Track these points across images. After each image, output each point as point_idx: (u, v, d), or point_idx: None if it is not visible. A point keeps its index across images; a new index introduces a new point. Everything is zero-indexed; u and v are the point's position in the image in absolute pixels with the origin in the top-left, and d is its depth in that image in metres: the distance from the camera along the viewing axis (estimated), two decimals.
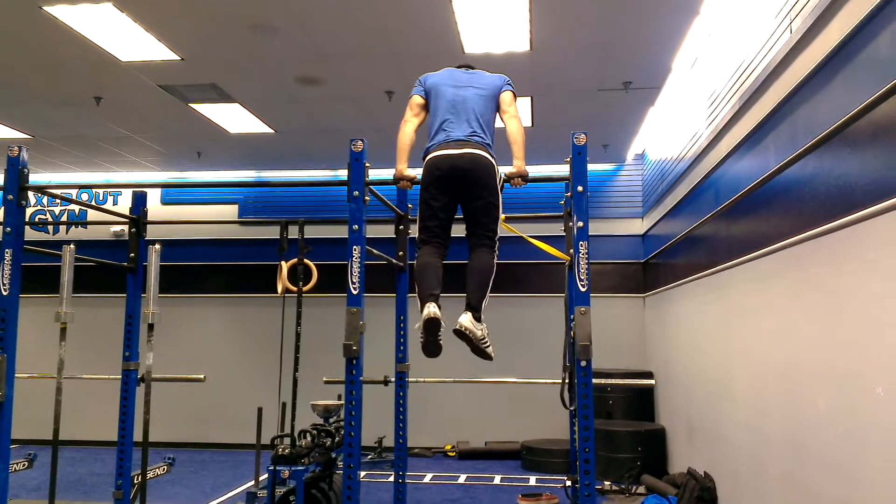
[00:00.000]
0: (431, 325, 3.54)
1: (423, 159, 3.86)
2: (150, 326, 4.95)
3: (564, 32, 5.93)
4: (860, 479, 3.29)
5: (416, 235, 3.90)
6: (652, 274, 9.50)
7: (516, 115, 4.00)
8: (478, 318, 3.64)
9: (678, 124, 7.41)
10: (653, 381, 9.17)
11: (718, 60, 5.75)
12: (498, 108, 4.05)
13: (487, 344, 3.68)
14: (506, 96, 4.03)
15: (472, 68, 4.21)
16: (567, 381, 4.59)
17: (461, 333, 3.59)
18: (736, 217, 5.37)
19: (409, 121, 4.03)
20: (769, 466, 4.59)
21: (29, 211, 10.87)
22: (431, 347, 3.60)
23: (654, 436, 8.24)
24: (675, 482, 6.86)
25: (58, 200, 10.96)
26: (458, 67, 4.20)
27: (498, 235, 3.87)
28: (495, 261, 3.82)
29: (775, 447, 4.47)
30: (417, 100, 4.09)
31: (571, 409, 4.60)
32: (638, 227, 10.20)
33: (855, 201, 3.27)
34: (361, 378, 3.51)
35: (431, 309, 3.54)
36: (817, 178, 3.80)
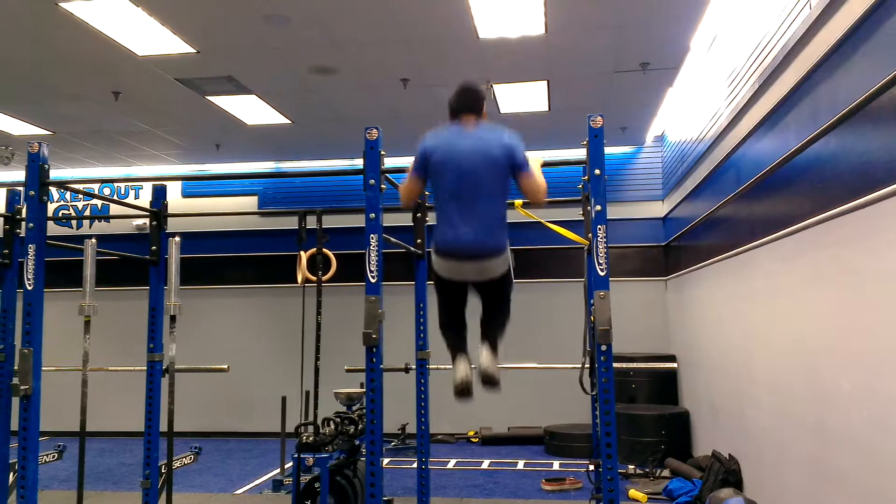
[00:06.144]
0: (465, 393, 3.53)
1: (433, 247, 3.64)
2: (173, 318, 5.01)
3: (580, 14, 5.86)
4: (884, 460, 3.26)
5: (438, 316, 3.81)
6: (674, 257, 9.43)
7: (538, 181, 3.60)
8: (495, 352, 3.63)
9: (697, 105, 7.33)
10: (676, 365, 9.13)
11: (737, 39, 5.67)
12: (514, 174, 3.60)
13: (499, 377, 3.64)
14: (524, 172, 3.55)
15: (476, 112, 3.64)
16: (588, 365, 4.58)
17: (486, 378, 3.54)
18: (757, 197, 5.31)
19: (408, 196, 3.78)
20: (793, 448, 4.56)
21: (52, 206, 11.02)
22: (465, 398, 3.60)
23: (677, 419, 8.20)
24: (699, 465, 6.83)
25: (80, 195, 11.08)
26: (460, 116, 3.66)
27: (512, 295, 3.76)
28: (511, 304, 3.78)
29: (799, 429, 4.44)
30: (415, 182, 3.70)
31: (592, 394, 4.58)
32: (658, 209, 10.11)
33: (877, 179, 3.21)
34: (382, 366, 3.52)
35: (464, 374, 3.52)
36: (839, 157, 3.74)
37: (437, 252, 3.61)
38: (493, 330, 3.69)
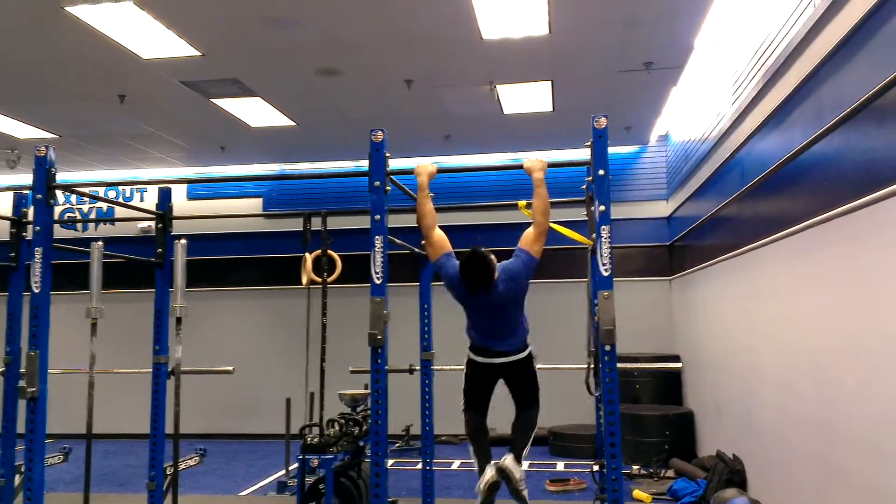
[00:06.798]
0: (489, 496, 3.86)
1: (469, 345, 4.02)
2: (179, 320, 5.02)
3: (584, 14, 5.86)
4: (890, 459, 3.25)
5: (463, 401, 4.09)
6: (678, 256, 9.41)
7: (545, 216, 3.84)
8: (519, 461, 3.86)
9: (702, 104, 7.32)
10: (680, 365, 9.12)
11: (741, 37, 5.67)
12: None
13: (524, 487, 3.84)
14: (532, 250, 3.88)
15: (490, 286, 3.80)
16: (592, 366, 4.59)
17: (502, 472, 3.80)
18: (762, 197, 5.30)
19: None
20: (798, 448, 4.55)
21: (58, 209, 11.05)
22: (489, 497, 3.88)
23: (682, 419, 8.19)
24: (704, 465, 6.82)
25: (86, 198, 11.11)
26: (467, 269, 3.79)
27: (539, 392, 4.13)
28: (538, 412, 4.12)
29: (804, 428, 4.43)
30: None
31: (596, 395, 4.59)
32: (663, 209, 10.10)
33: (882, 178, 3.21)
34: (386, 367, 3.53)
35: (488, 479, 3.81)
36: (843, 155, 3.73)
37: (472, 348, 4.02)
38: (521, 436, 4.00)
